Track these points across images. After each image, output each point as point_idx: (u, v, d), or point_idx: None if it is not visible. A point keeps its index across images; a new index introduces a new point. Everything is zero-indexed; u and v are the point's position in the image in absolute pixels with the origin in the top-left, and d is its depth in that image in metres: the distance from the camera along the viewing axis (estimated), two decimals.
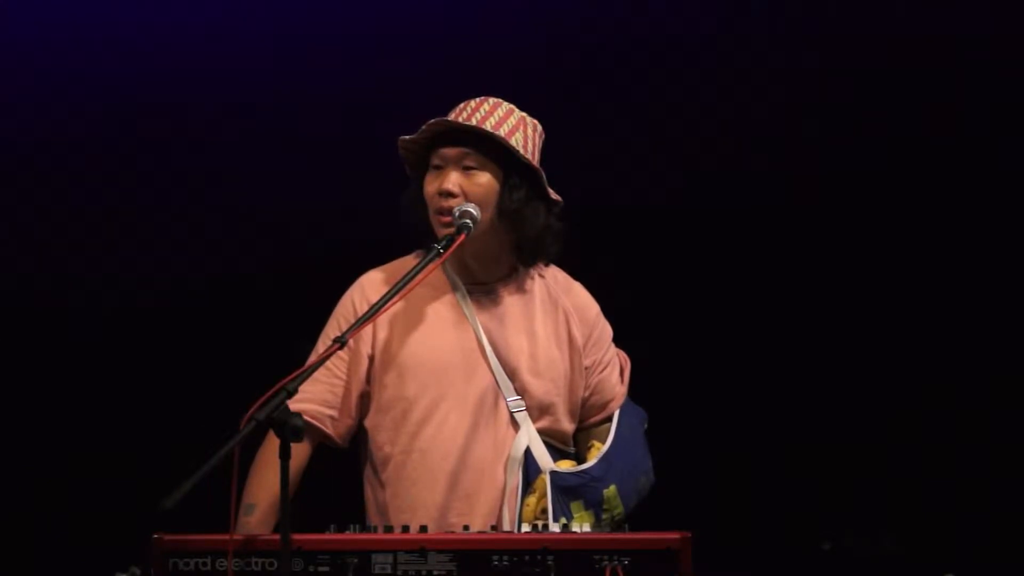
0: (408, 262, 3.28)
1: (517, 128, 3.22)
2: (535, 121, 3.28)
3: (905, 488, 4.67)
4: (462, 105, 3.24)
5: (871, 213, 4.72)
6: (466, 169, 3.19)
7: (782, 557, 4.64)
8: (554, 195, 3.25)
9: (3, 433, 4.59)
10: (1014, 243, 4.68)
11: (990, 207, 4.70)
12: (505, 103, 3.25)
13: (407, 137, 3.23)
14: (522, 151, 3.20)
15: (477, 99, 3.24)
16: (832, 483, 4.68)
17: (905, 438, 4.69)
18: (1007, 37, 4.62)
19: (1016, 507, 4.59)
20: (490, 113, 3.21)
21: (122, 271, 4.73)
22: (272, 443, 3.14)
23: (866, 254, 4.73)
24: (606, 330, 3.38)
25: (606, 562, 2.66)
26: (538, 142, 3.27)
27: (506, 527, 3.13)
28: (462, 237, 3.11)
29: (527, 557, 2.67)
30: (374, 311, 2.97)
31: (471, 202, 3.16)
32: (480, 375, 3.22)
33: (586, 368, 3.31)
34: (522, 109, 3.27)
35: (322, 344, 3.26)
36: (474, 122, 3.18)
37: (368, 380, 3.25)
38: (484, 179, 3.19)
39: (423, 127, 3.21)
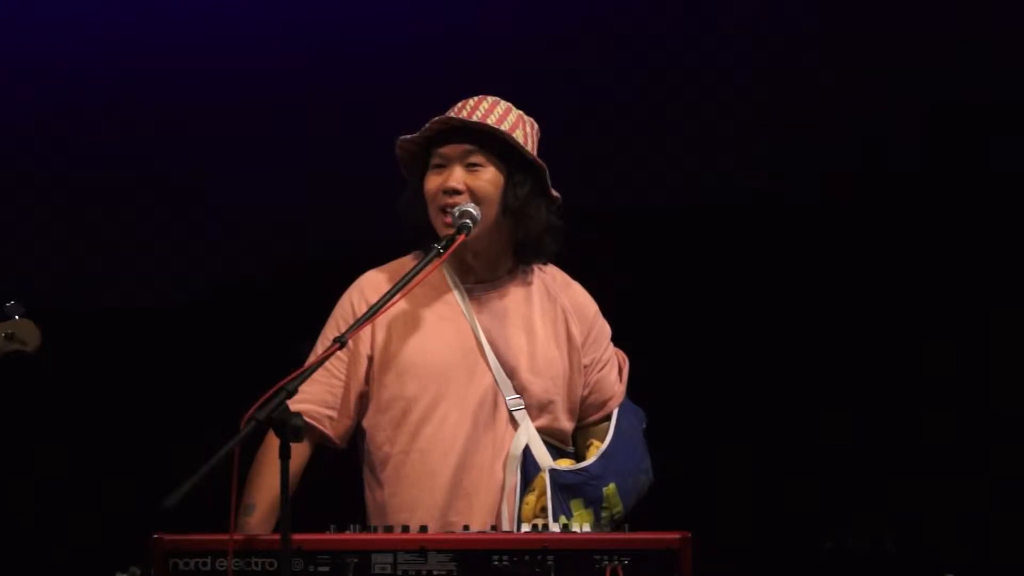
0: (407, 262, 3.28)
1: (517, 125, 3.22)
2: (532, 119, 3.28)
3: (905, 488, 4.67)
4: (460, 104, 3.24)
5: (870, 213, 4.72)
6: (470, 167, 3.19)
7: (782, 557, 4.64)
8: (554, 193, 3.25)
9: (3, 433, 4.59)
10: (1013, 243, 4.68)
11: (988, 207, 4.70)
12: (503, 101, 3.25)
13: (408, 136, 3.23)
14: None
15: (476, 97, 3.24)
16: (832, 483, 4.68)
17: (905, 438, 4.69)
18: (1007, 36, 4.63)
19: (1016, 507, 4.59)
20: (490, 111, 3.21)
21: (122, 271, 4.73)
22: (272, 443, 3.14)
23: (865, 253, 4.73)
24: (604, 329, 3.38)
25: (606, 562, 2.66)
26: (536, 140, 3.27)
27: (505, 526, 3.13)
28: (462, 237, 3.11)
29: (527, 557, 2.67)
30: (374, 311, 2.97)
31: (475, 199, 3.16)
32: (479, 374, 3.21)
33: (585, 366, 3.31)
34: (523, 109, 3.28)
35: (321, 345, 3.26)
36: (476, 119, 3.18)
37: (367, 380, 3.25)
38: (489, 175, 3.19)
39: (426, 125, 3.21)
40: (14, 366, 3.47)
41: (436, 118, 3.21)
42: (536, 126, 3.29)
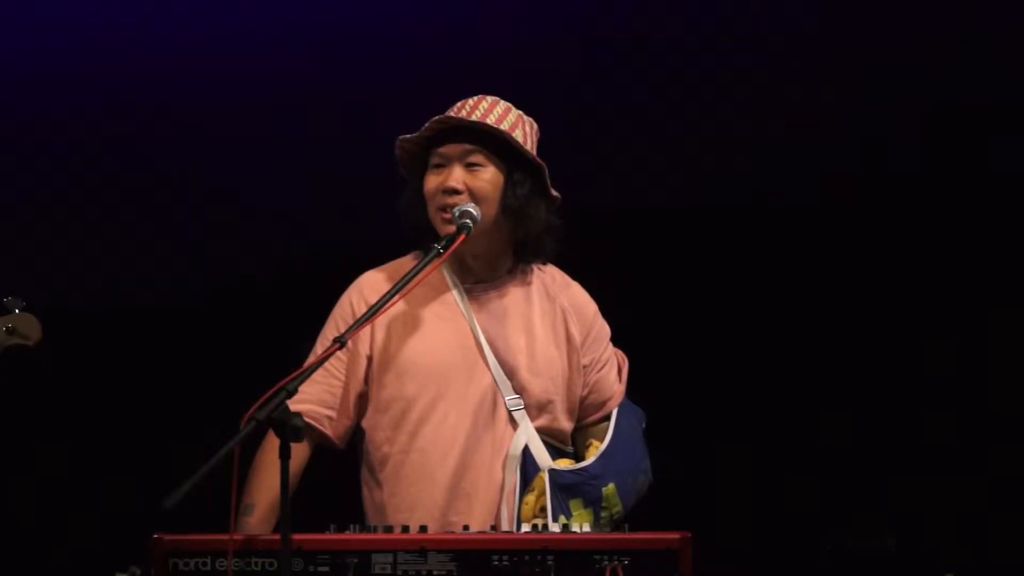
0: (406, 263, 3.28)
1: (517, 125, 3.23)
2: (531, 119, 3.29)
3: (905, 488, 4.67)
4: (460, 103, 3.24)
5: (870, 213, 4.72)
6: (470, 166, 3.19)
7: (782, 557, 4.64)
8: (554, 193, 3.25)
9: (3, 433, 4.59)
10: (1013, 243, 4.68)
11: (988, 207, 4.69)
12: (502, 101, 3.26)
13: (408, 136, 3.23)
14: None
15: (475, 97, 3.25)
16: (832, 483, 4.68)
17: (905, 438, 4.69)
18: (1007, 36, 4.63)
19: (1016, 507, 4.59)
20: (490, 110, 3.21)
21: (122, 271, 4.73)
22: (271, 443, 3.14)
23: (865, 253, 4.72)
24: (604, 329, 3.38)
25: (606, 562, 2.67)
26: (535, 140, 3.28)
27: (505, 526, 3.13)
28: (462, 237, 3.12)
29: (527, 557, 2.67)
30: (374, 311, 2.97)
31: (475, 199, 3.17)
32: (479, 374, 3.22)
33: (584, 366, 3.31)
34: (523, 109, 3.28)
35: (320, 345, 3.26)
36: (475, 119, 3.18)
37: (366, 381, 3.25)
38: (489, 175, 3.20)
39: (426, 124, 3.21)
40: (15, 360, 3.47)
41: (436, 118, 3.21)
42: (536, 126, 3.29)
